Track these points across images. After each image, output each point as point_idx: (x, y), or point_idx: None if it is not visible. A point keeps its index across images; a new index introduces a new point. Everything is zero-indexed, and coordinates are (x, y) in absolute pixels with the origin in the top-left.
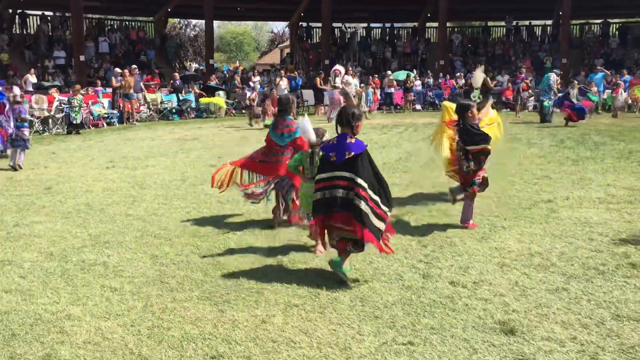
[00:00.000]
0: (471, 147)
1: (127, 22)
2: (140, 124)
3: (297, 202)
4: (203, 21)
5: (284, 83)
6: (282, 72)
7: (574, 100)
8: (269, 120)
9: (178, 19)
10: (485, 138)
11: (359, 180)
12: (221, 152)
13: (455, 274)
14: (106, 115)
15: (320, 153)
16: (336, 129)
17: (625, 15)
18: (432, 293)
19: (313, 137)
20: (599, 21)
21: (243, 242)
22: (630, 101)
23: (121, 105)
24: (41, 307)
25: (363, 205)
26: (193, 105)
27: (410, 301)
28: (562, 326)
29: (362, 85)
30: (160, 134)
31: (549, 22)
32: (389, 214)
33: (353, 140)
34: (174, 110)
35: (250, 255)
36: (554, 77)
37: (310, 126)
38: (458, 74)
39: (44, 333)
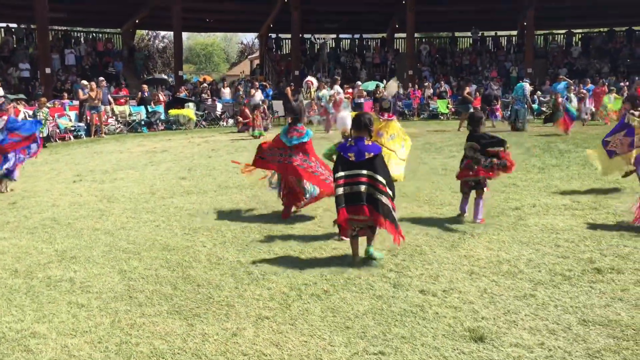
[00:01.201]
0: (491, 148)
1: (94, 34)
2: (108, 137)
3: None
4: (172, 33)
5: (258, 94)
6: (256, 83)
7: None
8: (257, 132)
9: (146, 31)
10: (502, 142)
11: (379, 177)
12: (191, 164)
13: (426, 282)
14: (73, 128)
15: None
16: (350, 133)
17: (588, 26)
18: (403, 302)
19: (349, 128)
20: (562, 32)
21: (213, 255)
22: (594, 110)
23: (88, 117)
24: (5, 326)
25: (384, 199)
26: (162, 117)
27: (381, 311)
28: (530, 332)
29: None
30: (129, 147)
31: (514, 32)
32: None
33: (370, 143)
34: (142, 123)
35: (221, 267)
36: (528, 87)
37: (349, 120)
38: (426, 83)
39: (8, 352)
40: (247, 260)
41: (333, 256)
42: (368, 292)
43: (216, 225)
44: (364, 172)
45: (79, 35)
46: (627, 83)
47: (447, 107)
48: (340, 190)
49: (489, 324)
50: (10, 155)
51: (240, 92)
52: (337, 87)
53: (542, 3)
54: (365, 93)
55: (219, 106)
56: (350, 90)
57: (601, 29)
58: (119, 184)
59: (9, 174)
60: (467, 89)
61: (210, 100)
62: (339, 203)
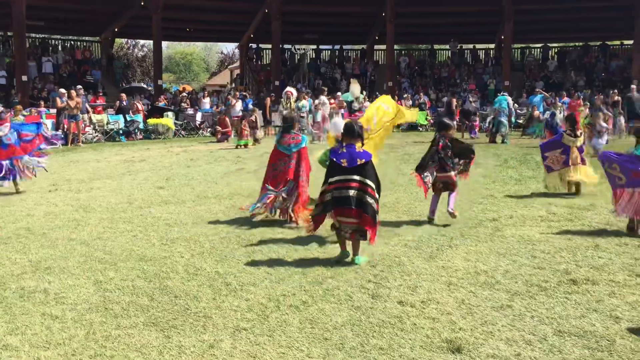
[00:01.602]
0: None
1: (72, 42)
2: (85, 146)
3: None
4: (151, 41)
5: (239, 105)
6: (236, 93)
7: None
8: (243, 141)
9: (126, 39)
10: (472, 149)
11: (369, 182)
12: (169, 174)
13: (404, 293)
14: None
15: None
16: (343, 141)
17: (563, 40)
18: (381, 313)
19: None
20: (539, 45)
21: (191, 266)
22: None
23: (66, 126)
24: None
25: (372, 202)
26: (141, 126)
27: (360, 322)
28: (506, 343)
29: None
30: (107, 156)
31: (492, 45)
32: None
33: (361, 150)
34: (120, 132)
35: (199, 278)
36: (510, 100)
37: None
38: (406, 95)
39: None
40: (225, 271)
41: (312, 267)
42: (346, 303)
43: (194, 236)
44: (356, 177)
45: (57, 43)
46: (602, 96)
47: (426, 119)
48: (329, 196)
49: (466, 334)
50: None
51: (231, 102)
52: (322, 98)
53: (519, 17)
54: (345, 104)
55: (199, 116)
56: (332, 101)
57: (576, 44)
58: (96, 193)
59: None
60: (454, 101)
61: (190, 109)
62: (325, 208)
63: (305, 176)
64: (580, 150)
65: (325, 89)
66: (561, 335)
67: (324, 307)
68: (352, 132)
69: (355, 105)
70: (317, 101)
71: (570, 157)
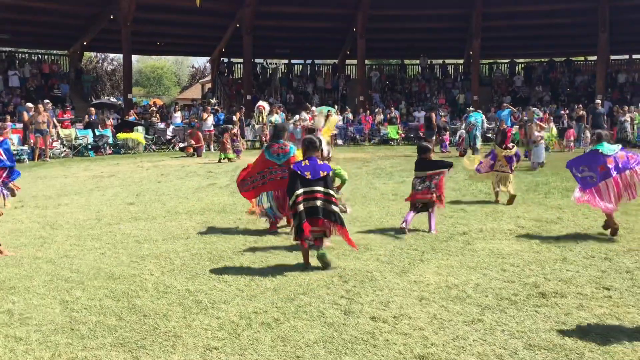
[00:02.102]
0: (429, 172)
1: (40, 56)
2: (53, 161)
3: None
4: (121, 55)
5: (210, 119)
6: (208, 107)
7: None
8: (228, 154)
9: (95, 53)
10: (444, 164)
11: (332, 192)
12: (139, 189)
13: (376, 309)
14: (16, 152)
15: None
16: (303, 154)
17: (529, 56)
18: (354, 329)
19: (320, 126)
20: (506, 61)
21: (161, 284)
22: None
23: (32, 141)
24: None
25: (337, 210)
26: (110, 140)
27: (332, 338)
28: (478, 358)
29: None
30: (75, 171)
31: (461, 61)
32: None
33: (322, 163)
34: (89, 146)
35: (169, 296)
36: (483, 116)
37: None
38: (377, 109)
39: None
40: (196, 289)
41: (284, 283)
42: (319, 320)
43: (164, 253)
44: (320, 188)
45: (24, 56)
46: (567, 111)
47: (397, 133)
48: (301, 207)
49: (438, 350)
50: None
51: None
52: (303, 114)
53: (486, 34)
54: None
55: (170, 129)
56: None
57: (541, 60)
58: (63, 209)
59: None
60: (434, 116)
61: (162, 123)
62: (301, 218)
63: None
64: (510, 160)
65: (309, 105)
66: (531, 349)
67: (296, 324)
68: (314, 146)
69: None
70: (296, 117)
71: (495, 163)
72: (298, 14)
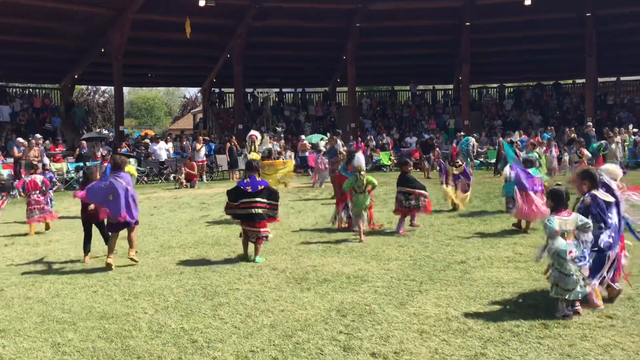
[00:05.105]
0: (408, 188)
1: (31, 90)
2: None
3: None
4: (112, 87)
5: (203, 149)
6: (200, 137)
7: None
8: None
9: (86, 86)
10: (423, 186)
11: (268, 200)
12: None
13: (376, 344)
14: None
15: (240, 187)
16: (245, 174)
17: (518, 80)
18: None
19: (363, 164)
20: (495, 85)
21: (155, 322)
22: None
23: (23, 176)
24: None
25: (271, 213)
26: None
27: None
28: None
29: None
30: (66, 206)
31: (450, 86)
32: (278, 204)
33: (260, 179)
34: (81, 180)
35: (163, 336)
36: (472, 141)
37: (363, 159)
38: (369, 136)
39: None
40: (191, 327)
41: (281, 319)
42: (318, 358)
43: (158, 289)
44: (258, 199)
45: (15, 91)
46: (554, 134)
47: (390, 159)
48: (240, 212)
49: None
50: None
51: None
52: (339, 142)
53: (475, 59)
54: (309, 146)
55: (163, 152)
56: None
57: (529, 83)
58: (55, 246)
59: None
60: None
61: (155, 144)
62: (238, 219)
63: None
64: (459, 177)
65: (340, 131)
66: None
67: None
68: (252, 167)
69: (265, 152)
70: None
71: (448, 178)
72: (289, 43)
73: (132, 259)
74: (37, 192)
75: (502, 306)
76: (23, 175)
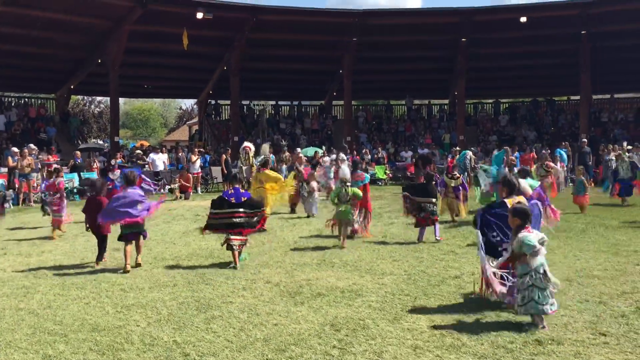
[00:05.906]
0: (419, 198)
1: (27, 99)
2: (37, 206)
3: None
4: (108, 98)
5: (198, 161)
6: (195, 149)
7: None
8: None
9: (82, 96)
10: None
11: (251, 210)
12: None
13: (370, 359)
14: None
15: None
16: (229, 185)
17: (513, 96)
18: None
19: (348, 177)
20: (490, 101)
21: (147, 335)
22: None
23: (17, 185)
24: None
25: (253, 221)
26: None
27: None
28: None
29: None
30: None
31: (446, 101)
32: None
33: (243, 191)
34: (75, 190)
35: (155, 350)
36: (470, 155)
37: (348, 171)
38: (365, 150)
39: None
40: (183, 340)
41: (274, 333)
42: None
43: (151, 302)
44: (241, 209)
45: (10, 100)
46: (549, 150)
47: (385, 173)
48: (224, 220)
49: None
50: None
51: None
52: (342, 155)
53: (471, 74)
54: (305, 159)
55: (160, 163)
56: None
57: (524, 99)
58: (47, 257)
59: None
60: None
61: (153, 154)
62: (217, 228)
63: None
64: (459, 189)
65: (346, 146)
66: None
67: None
68: (235, 179)
69: (262, 161)
70: (332, 157)
71: (447, 190)
72: (285, 56)
73: (138, 264)
74: (57, 194)
75: (496, 322)
76: (17, 185)
